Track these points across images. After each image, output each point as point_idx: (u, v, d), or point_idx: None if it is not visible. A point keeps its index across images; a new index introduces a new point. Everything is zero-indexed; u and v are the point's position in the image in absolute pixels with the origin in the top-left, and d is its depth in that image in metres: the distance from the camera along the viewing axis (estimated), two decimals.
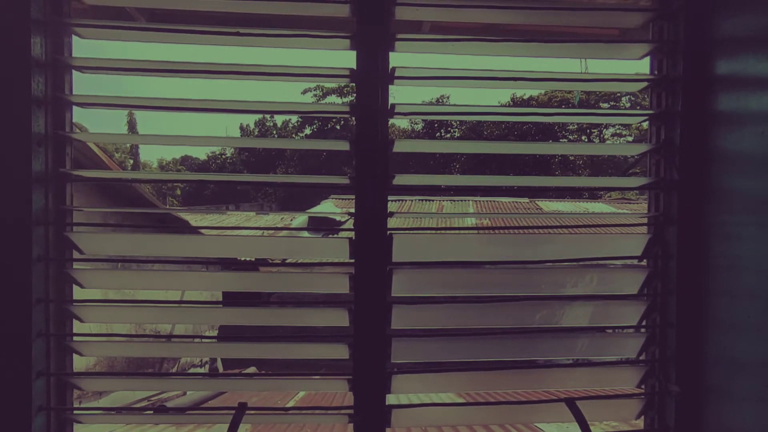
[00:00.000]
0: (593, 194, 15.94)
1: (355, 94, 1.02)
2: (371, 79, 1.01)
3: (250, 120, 29.84)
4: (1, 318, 0.94)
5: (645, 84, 1.11)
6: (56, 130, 0.99)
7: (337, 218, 10.01)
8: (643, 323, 1.11)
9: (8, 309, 0.94)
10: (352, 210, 1.04)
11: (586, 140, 24.68)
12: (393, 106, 1.04)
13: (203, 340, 4.56)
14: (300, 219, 10.73)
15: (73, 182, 1.03)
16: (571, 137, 24.64)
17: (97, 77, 1.09)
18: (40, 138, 0.96)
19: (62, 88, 1.00)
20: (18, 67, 0.93)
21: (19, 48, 0.93)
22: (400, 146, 1.09)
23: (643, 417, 1.12)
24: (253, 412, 1.03)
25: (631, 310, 1.11)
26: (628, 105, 22.65)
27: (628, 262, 1.12)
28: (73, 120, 1.06)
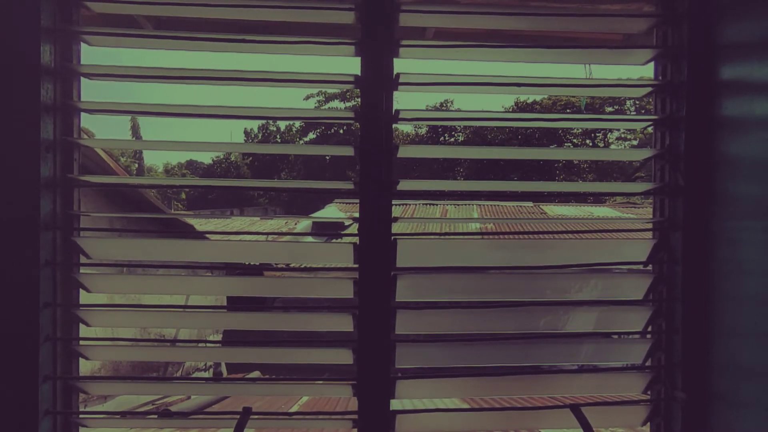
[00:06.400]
0: (598, 198, 15.86)
1: (358, 99, 1.03)
2: (376, 85, 1.02)
3: (254, 125, 30.00)
4: (9, 322, 0.94)
5: (649, 89, 1.11)
6: (64, 136, 1.00)
7: (342, 222, 10.02)
8: (649, 329, 1.10)
9: (16, 313, 0.94)
10: (356, 214, 1.04)
11: (591, 144, 24.62)
12: (397, 111, 1.04)
13: (207, 344, 4.57)
14: (304, 223, 10.75)
15: (80, 187, 1.04)
16: (575, 141, 24.59)
17: (104, 83, 1.11)
18: (48, 144, 0.97)
19: (70, 94, 1.02)
20: (28, 75, 0.94)
21: (29, 56, 0.94)
22: (404, 152, 1.09)
23: (649, 423, 1.11)
24: (257, 416, 1.03)
25: (637, 315, 1.11)
26: (633, 109, 22.60)
27: (633, 267, 1.11)
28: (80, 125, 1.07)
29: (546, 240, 1.19)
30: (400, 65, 1.04)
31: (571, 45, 1.17)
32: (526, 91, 1.15)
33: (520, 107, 23.55)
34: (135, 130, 25.82)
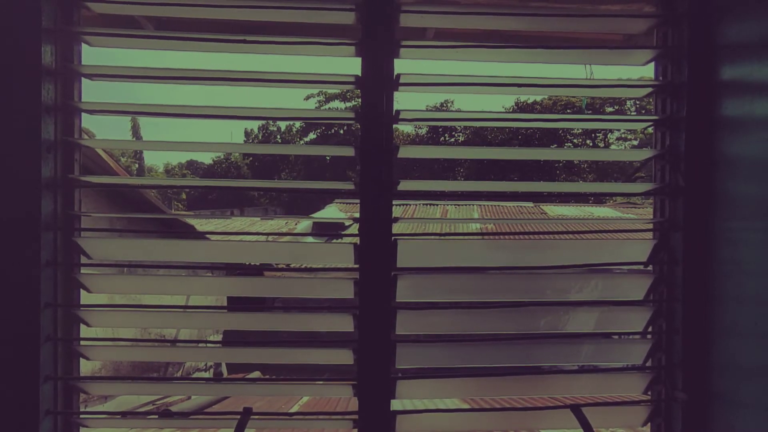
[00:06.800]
0: (598, 198, 15.86)
1: (359, 100, 1.03)
2: (376, 85, 1.02)
3: (255, 125, 30.00)
4: (10, 322, 0.95)
5: (649, 90, 1.11)
6: (65, 137, 1.00)
7: (342, 222, 10.01)
8: (649, 329, 1.10)
9: (17, 313, 0.95)
10: (357, 214, 1.04)
11: (591, 144, 24.62)
12: (398, 112, 1.04)
13: (208, 344, 4.57)
14: (304, 224, 10.75)
15: (81, 188, 1.04)
16: (575, 141, 24.59)
17: (105, 84, 1.11)
18: (49, 144, 0.97)
19: (71, 95, 1.02)
20: (29, 75, 0.94)
21: (30, 56, 0.94)
22: (405, 152, 1.09)
23: (649, 424, 1.11)
24: (257, 416, 1.03)
25: (637, 316, 1.11)
26: (633, 109, 22.61)
27: (634, 267, 1.12)
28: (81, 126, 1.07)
29: (546, 240, 1.20)
30: (400, 65, 1.04)
31: (572, 45, 1.17)
32: (526, 92, 1.15)
33: (521, 107, 23.55)
34: (135, 131, 25.84)
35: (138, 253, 1.08)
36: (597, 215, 12.22)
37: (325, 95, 25.96)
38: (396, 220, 1.05)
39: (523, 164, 21.74)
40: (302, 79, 1.05)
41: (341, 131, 27.10)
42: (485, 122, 1.24)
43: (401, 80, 1.03)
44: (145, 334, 5.06)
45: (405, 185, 1.05)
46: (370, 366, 1.02)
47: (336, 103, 26.00)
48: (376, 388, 1.03)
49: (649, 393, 1.11)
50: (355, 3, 1.01)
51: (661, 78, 1.10)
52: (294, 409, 3.24)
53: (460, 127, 24.88)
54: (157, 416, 1.81)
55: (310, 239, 9.78)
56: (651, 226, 1.12)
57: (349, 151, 1.07)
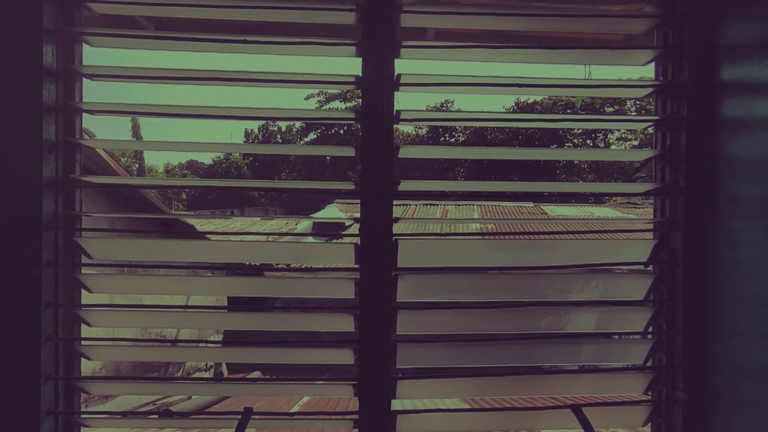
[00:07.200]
0: (598, 198, 15.86)
1: (359, 100, 1.03)
2: (377, 85, 1.02)
3: (255, 125, 30.01)
4: (11, 322, 0.95)
5: (650, 90, 1.11)
6: (66, 137, 1.01)
7: (342, 222, 10.02)
8: (650, 329, 1.10)
9: (18, 313, 0.95)
10: (357, 214, 1.04)
11: (591, 144, 24.62)
12: (398, 112, 1.04)
13: (208, 344, 4.57)
14: (304, 224, 10.75)
15: (82, 188, 1.04)
16: (575, 141, 24.59)
17: (104, 84, 1.11)
18: (50, 144, 0.97)
19: (72, 95, 1.02)
20: (30, 75, 0.95)
21: (32, 56, 0.94)
22: (405, 152, 1.09)
23: (650, 424, 1.11)
24: (258, 416, 1.03)
25: (637, 316, 1.11)
26: (633, 109, 22.61)
27: (634, 267, 1.12)
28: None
29: (546, 240, 1.20)
30: (400, 66, 1.04)
31: (572, 45, 1.17)
32: (526, 92, 1.15)
33: (521, 108, 23.56)
34: (135, 131, 25.84)
35: (138, 253, 1.08)
36: (597, 215, 12.22)
37: (326, 95, 25.98)
38: (396, 220, 1.05)
39: (523, 164, 21.74)
40: (302, 80, 1.05)
41: (341, 131, 27.11)
42: (485, 122, 1.24)
43: (402, 80, 1.03)
44: (145, 334, 5.06)
45: (405, 185, 1.05)
46: (370, 366, 1.02)
47: (336, 104, 26.01)
48: (377, 388, 1.03)
49: (650, 393, 1.11)
50: (356, 3, 1.01)
51: (661, 78, 1.10)
52: (294, 409, 3.24)
53: (460, 127, 24.89)
54: (157, 416, 1.81)
55: (310, 239, 9.78)
56: (651, 226, 1.12)
57: (349, 152, 1.08)
